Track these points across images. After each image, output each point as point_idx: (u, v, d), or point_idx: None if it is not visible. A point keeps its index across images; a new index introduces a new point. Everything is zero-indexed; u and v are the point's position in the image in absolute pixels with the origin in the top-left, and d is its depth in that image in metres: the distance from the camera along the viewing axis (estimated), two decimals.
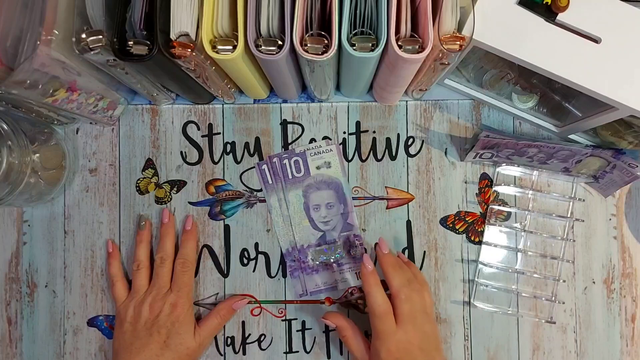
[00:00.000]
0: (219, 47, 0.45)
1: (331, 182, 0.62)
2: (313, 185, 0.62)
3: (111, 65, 0.48)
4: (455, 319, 0.61)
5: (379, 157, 0.63)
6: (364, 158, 0.63)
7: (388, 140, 0.63)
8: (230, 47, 0.45)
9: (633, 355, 0.61)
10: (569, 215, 0.62)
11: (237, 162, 0.63)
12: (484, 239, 0.62)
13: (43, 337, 0.61)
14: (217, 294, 0.62)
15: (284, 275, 0.62)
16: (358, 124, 0.63)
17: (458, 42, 0.45)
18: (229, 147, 0.63)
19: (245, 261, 0.62)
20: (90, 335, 0.61)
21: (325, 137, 0.63)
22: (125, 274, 0.61)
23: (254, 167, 0.63)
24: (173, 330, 0.55)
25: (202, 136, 0.63)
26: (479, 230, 0.62)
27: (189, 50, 0.45)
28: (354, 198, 0.62)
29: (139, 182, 0.63)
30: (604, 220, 0.62)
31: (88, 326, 0.61)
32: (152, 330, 0.55)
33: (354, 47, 0.44)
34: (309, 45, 0.44)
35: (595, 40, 0.49)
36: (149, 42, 0.45)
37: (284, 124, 0.63)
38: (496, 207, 0.62)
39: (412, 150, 0.63)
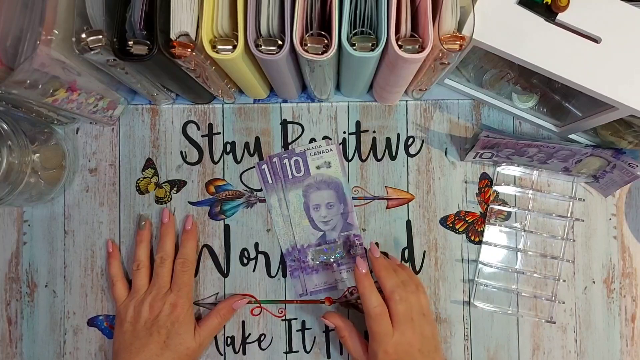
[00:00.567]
0: (219, 47, 0.45)
1: (331, 182, 0.62)
2: (313, 185, 0.62)
3: (111, 65, 0.48)
4: (455, 319, 0.61)
5: (379, 157, 0.63)
6: (364, 158, 0.63)
7: (388, 140, 0.63)
8: (230, 47, 0.45)
9: (633, 355, 0.61)
10: (569, 215, 0.62)
11: (237, 162, 0.63)
12: (484, 239, 0.62)
13: (43, 337, 0.61)
14: (217, 293, 0.62)
15: (284, 275, 0.62)
16: (358, 123, 0.63)
17: (458, 42, 0.45)
18: (229, 147, 0.63)
19: (245, 261, 0.62)
20: (90, 335, 0.61)
21: (325, 137, 0.63)
22: (125, 273, 0.61)
23: (254, 167, 0.63)
24: (173, 330, 0.55)
25: (202, 136, 0.63)
26: (479, 230, 0.62)
27: (189, 50, 0.45)
28: (354, 198, 0.62)
29: (139, 182, 0.63)
30: (604, 220, 0.62)
31: (88, 326, 0.62)
32: (152, 330, 0.55)
33: (354, 47, 0.44)
34: (309, 45, 0.44)
35: (595, 40, 0.49)
36: (149, 42, 0.45)
37: (284, 123, 0.63)
38: (496, 207, 0.62)
39: (412, 150, 0.63)
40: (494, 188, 0.63)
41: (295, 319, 0.61)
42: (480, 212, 0.62)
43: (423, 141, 0.63)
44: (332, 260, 0.62)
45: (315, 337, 0.61)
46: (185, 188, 0.63)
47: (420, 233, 0.62)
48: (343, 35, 0.44)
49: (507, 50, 0.48)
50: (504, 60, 0.51)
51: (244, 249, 0.62)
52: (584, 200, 0.63)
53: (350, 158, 0.63)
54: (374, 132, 0.63)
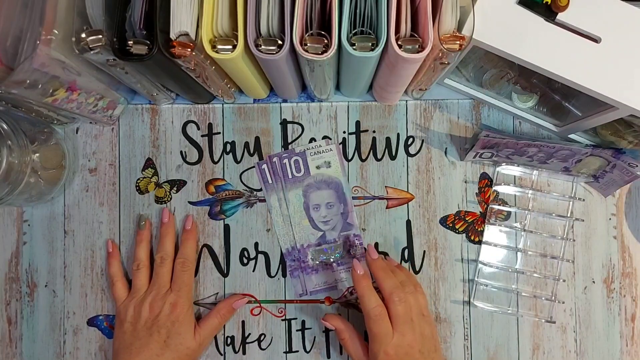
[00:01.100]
0: (219, 46, 0.45)
1: (331, 182, 0.62)
2: (313, 184, 0.62)
3: (111, 65, 0.48)
4: (455, 319, 0.61)
5: (379, 156, 0.63)
6: (363, 158, 0.63)
7: (388, 139, 0.63)
8: (230, 47, 0.45)
9: (633, 355, 0.61)
10: (569, 215, 0.62)
11: (237, 162, 0.63)
12: (484, 239, 0.62)
13: (43, 337, 0.61)
14: (217, 293, 0.62)
15: (284, 275, 0.62)
16: (358, 123, 0.63)
17: (458, 42, 0.45)
18: (228, 147, 0.63)
19: (245, 261, 0.62)
20: (90, 335, 0.61)
21: (325, 137, 0.63)
22: (125, 273, 0.61)
23: (253, 166, 0.63)
24: (173, 330, 0.55)
25: (202, 136, 0.63)
26: (479, 229, 0.62)
27: (189, 49, 0.45)
28: (353, 198, 0.62)
29: (138, 181, 0.63)
30: (604, 219, 0.62)
31: (88, 326, 0.62)
32: (152, 330, 0.55)
33: (354, 47, 0.44)
34: (308, 44, 0.44)
35: (595, 40, 0.49)
36: (148, 42, 0.45)
37: (284, 123, 0.63)
38: (496, 207, 0.62)
39: (412, 150, 0.63)
40: (493, 188, 0.63)
41: (295, 318, 0.61)
42: (480, 212, 0.62)
43: (423, 141, 0.63)
44: (332, 260, 0.62)
45: (315, 337, 0.61)
46: (185, 188, 0.63)
47: (420, 233, 0.62)
48: (343, 35, 0.44)
49: (507, 50, 0.48)
50: (504, 60, 0.51)
51: (244, 249, 0.62)
52: (584, 200, 0.63)
53: (350, 158, 0.63)
54: (374, 132, 0.63)
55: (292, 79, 0.55)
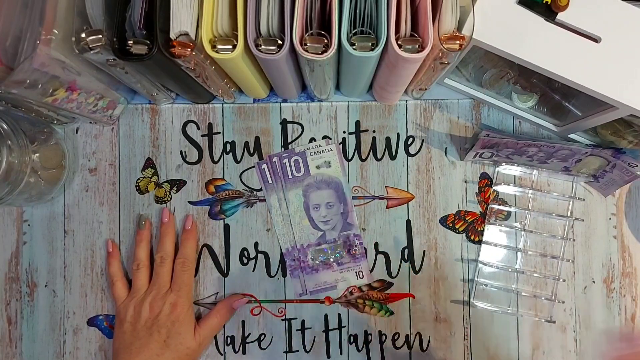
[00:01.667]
0: (219, 46, 0.45)
1: (331, 182, 0.62)
2: (313, 184, 0.62)
3: (111, 65, 0.48)
4: (455, 319, 0.61)
5: (379, 156, 0.63)
6: (363, 157, 0.63)
7: (388, 139, 0.63)
8: (230, 47, 0.45)
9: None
10: (568, 215, 0.62)
11: (237, 162, 0.63)
12: (484, 239, 0.62)
13: (43, 337, 0.61)
14: (217, 293, 0.62)
15: (284, 275, 0.62)
16: (358, 123, 0.63)
17: (458, 42, 0.45)
18: (228, 147, 0.63)
19: (245, 261, 0.62)
20: (90, 335, 0.61)
21: (325, 137, 0.63)
22: (125, 273, 0.61)
23: (253, 166, 0.63)
24: (173, 330, 0.55)
25: (202, 136, 0.63)
26: (479, 229, 0.62)
27: (189, 49, 0.45)
28: (353, 197, 0.62)
29: (138, 181, 0.63)
30: (604, 219, 0.62)
31: (88, 326, 0.61)
32: (152, 329, 0.55)
33: (354, 47, 0.44)
34: (308, 44, 0.44)
35: (595, 40, 0.49)
36: (148, 42, 0.45)
37: (284, 123, 0.63)
38: (496, 207, 0.62)
39: (412, 150, 0.63)
40: (493, 188, 0.63)
41: (295, 318, 0.61)
42: (480, 212, 0.62)
43: (423, 141, 0.63)
44: (332, 260, 0.62)
45: (315, 337, 0.61)
46: (185, 188, 0.63)
47: (420, 233, 0.62)
48: (343, 34, 0.44)
49: (507, 50, 0.48)
50: (504, 59, 0.51)
51: (244, 249, 0.62)
52: (584, 199, 0.63)
53: (350, 158, 0.63)
54: (374, 131, 0.63)
55: (292, 79, 0.55)
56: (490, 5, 0.48)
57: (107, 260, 0.61)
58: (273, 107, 0.63)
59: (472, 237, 0.62)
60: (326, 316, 0.61)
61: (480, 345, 0.61)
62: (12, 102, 0.51)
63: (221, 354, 0.61)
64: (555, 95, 0.59)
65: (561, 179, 0.63)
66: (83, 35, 0.45)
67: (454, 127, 0.63)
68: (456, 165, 0.63)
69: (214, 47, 0.46)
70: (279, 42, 0.45)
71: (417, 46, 0.45)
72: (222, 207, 0.62)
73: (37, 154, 0.56)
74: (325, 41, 0.45)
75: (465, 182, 0.63)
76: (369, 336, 0.61)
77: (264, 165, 0.62)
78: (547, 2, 0.48)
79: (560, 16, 0.49)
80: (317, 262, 0.62)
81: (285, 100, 0.63)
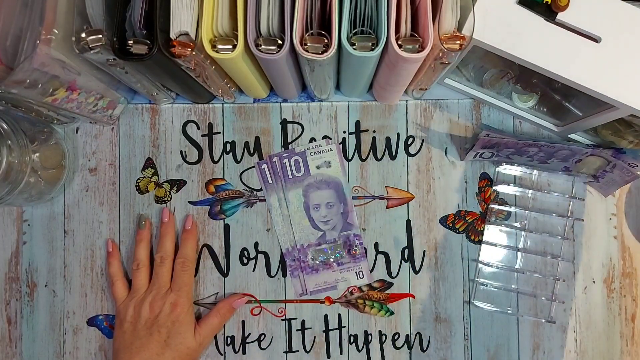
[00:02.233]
0: (219, 46, 0.45)
1: (331, 182, 0.62)
2: (313, 184, 0.62)
3: (111, 65, 0.48)
4: (455, 319, 0.61)
5: (379, 156, 0.63)
6: (363, 157, 0.63)
7: (388, 139, 0.63)
8: (230, 47, 0.45)
9: (633, 355, 0.61)
10: (569, 215, 0.62)
11: (237, 162, 0.63)
12: (484, 239, 0.62)
13: (43, 337, 0.61)
14: (217, 293, 0.62)
15: (284, 275, 0.62)
16: (358, 123, 0.63)
17: (458, 42, 0.45)
18: (228, 147, 0.63)
19: (245, 261, 0.62)
20: (90, 335, 0.61)
21: (325, 137, 0.63)
22: (125, 273, 0.61)
23: (253, 166, 0.63)
24: (173, 330, 0.55)
25: (202, 135, 0.63)
26: (479, 229, 0.62)
27: (189, 49, 0.45)
28: (354, 197, 0.62)
29: (138, 181, 0.63)
30: (604, 219, 0.62)
31: (88, 326, 0.61)
32: (152, 329, 0.55)
33: (354, 47, 0.44)
34: (308, 44, 0.44)
35: (595, 40, 0.49)
36: (148, 42, 0.45)
37: (284, 123, 0.63)
38: (496, 207, 0.62)
39: (412, 150, 0.63)
40: (494, 188, 0.63)
41: (295, 318, 0.61)
42: (480, 212, 0.62)
43: (423, 141, 0.63)
44: (332, 260, 0.62)
45: (315, 337, 0.61)
46: (185, 188, 0.62)
47: (420, 233, 0.62)
48: (343, 34, 0.44)
49: (507, 50, 0.48)
50: (504, 59, 0.51)
51: (244, 249, 0.62)
52: (584, 199, 0.63)
53: (350, 158, 0.63)
54: (374, 131, 0.63)
55: (292, 78, 0.55)
56: (490, 5, 0.49)
57: (107, 260, 0.61)
58: (273, 107, 0.63)
59: (472, 237, 0.62)
60: (326, 316, 0.61)
61: (480, 345, 0.61)
62: (12, 102, 0.51)
63: (221, 354, 0.61)
64: (556, 95, 0.59)
65: (561, 179, 0.63)
66: (83, 35, 0.45)
67: (454, 127, 0.63)
68: (456, 165, 0.63)
69: (214, 47, 0.45)
70: (279, 42, 0.45)
71: (417, 46, 0.45)
72: (222, 207, 0.62)
73: (37, 154, 0.56)
74: (326, 41, 0.45)
75: (465, 182, 0.63)
76: (369, 336, 0.61)
77: (264, 165, 0.62)
78: (547, 2, 0.48)
79: (560, 16, 0.49)
80: (317, 262, 0.62)
81: (285, 100, 0.63)
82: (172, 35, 0.45)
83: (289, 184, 0.62)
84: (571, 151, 0.58)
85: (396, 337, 0.61)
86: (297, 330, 0.61)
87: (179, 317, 0.56)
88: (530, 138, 0.58)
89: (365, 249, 0.62)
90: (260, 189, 0.63)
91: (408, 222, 0.62)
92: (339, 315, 0.61)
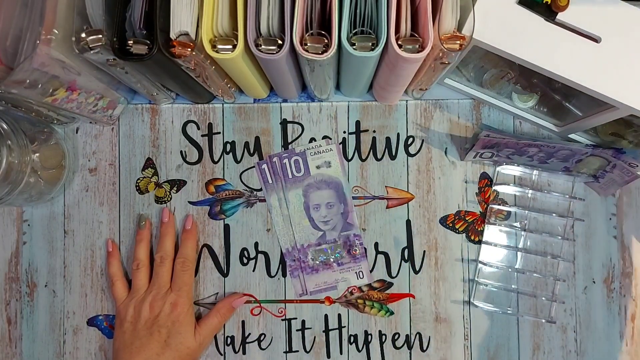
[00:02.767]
0: (219, 46, 0.45)
1: (331, 182, 0.62)
2: (313, 184, 0.62)
3: (111, 65, 0.48)
4: (455, 319, 0.61)
5: (379, 156, 0.63)
6: (363, 157, 0.63)
7: (388, 139, 0.63)
8: (230, 47, 0.45)
9: (633, 355, 0.61)
10: (569, 215, 0.62)
11: (237, 162, 0.63)
12: (484, 239, 0.62)
13: (43, 337, 0.61)
14: (217, 293, 0.62)
15: (284, 275, 0.62)
16: (358, 123, 0.63)
17: (458, 42, 0.45)
18: (228, 147, 0.63)
19: (245, 261, 0.62)
20: (90, 335, 0.61)
21: (325, 137, 0.63)
22: (125, 273, 0.61)
23: (253, 166, 0.63)
24: (173, 330, 0.55)
25: (202, 136, 0.63)
26: (479, 229, 0.62)
27: (189, 49, 0.45)
28: (354, 197, 0.62)
29: (138, 181, 0.63)
30: (604, 219, 0.62)
31: (88, 326, 0.61)
32: (152, 329, 0.55)
33: (354, 47, 0.44)
34: (308, 44, 0.44)
35: (595, 40, 0.49)
36: (148, 42, 0.45)
37: (284, 123, 0.63)
38: (496, 207, 0.62)
39: (412, 150, 0.63)
40: (493, 188, 0.63)
41: (295, 318, 0.61)
42: (480, 212, 0.62)
43: (423, 141, 0.63)
44: (332, 260, 0.62)
45: (315, 337, 0.61)
46: (185, 188, 0.62)
47: (420, 233, 0.62)
48: (343, 34, 0.44)
49: (507, 50, 0.48)
50: (504, 59, 0.51)
51: (244, 249, 0.62)
52: (584, 199, 0.63)
53: (350, 158, 0.63)
54: (374, 131, 0.63)
55: (292, 78, 0.55)
56: (491, 5, 0.48)
57: (107, 260, 0.61)
58: (273, 107, 0.63)
59: (472, 237, 0.62)
60: (326, 316, 0.61)
61: (481, 345, 0.61)
62: (12, 102, 0.51)
63: (221, 354, 0.61)
64: (556, 95, 0.59)
65: (561, 179, 0.63)
66: (83, 35, 0.45)
67: (454, 127, 0.63)
68: (456, 165, 0.63)
69: (214, 47, 0.45)
70: (279, 42, 0.45)
71: (417, 46, 0.45)
72: (222, 207, 0.62)
73: (37, 154, 0.56)
74: (326, 41, 0.45)
75: (465, 182, 0.63)
76: (369, 336, 0.61)
77: (264, 165, 0.62)
78: (547, 2, 0.48)
79: (560, 16, 0.49)
80: (317, 262, 0.62)
81: (285, 100, 0.63)
82: (172, 35, 0.45)
83: (289, 184, 0.62)
84: (571, 151, 0.58)
85: (396, 337, 0.61)
86: (297, 330, 0.61)
87: (179, 317, 0.56)
88: (530, 138, 0.58)
89: (365, 249, 0.62)
90: (260, 189, 0.63)
91: (408, 222, 0.62)
92: (339, 315, 0.61)
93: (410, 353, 0.61)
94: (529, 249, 0.62)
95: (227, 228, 0.62)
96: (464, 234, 0.62)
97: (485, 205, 0.62)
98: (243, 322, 0.62)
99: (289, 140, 0.63)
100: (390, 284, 0.62)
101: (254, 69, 0.52)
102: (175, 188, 0.62)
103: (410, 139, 0.63)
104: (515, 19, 0.49)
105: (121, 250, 0.62)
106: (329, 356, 0.61)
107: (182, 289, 0.57)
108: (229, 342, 0.61)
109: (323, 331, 0.61)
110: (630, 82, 0.48)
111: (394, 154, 0.63)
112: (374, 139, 0.63)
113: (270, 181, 0.62)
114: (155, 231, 0.62)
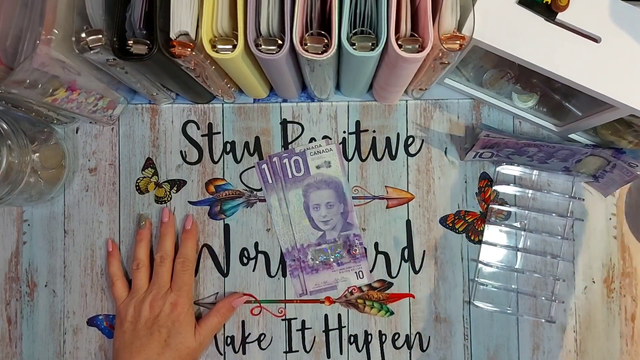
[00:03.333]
0: (219, 46, 0.45)
1: (331, 182, 0.62)
2: (313, 184, 0.62)
3: (111, 65, 0.48)
4: (455, 319, 0.61)
5: (379, 156, 0.63)
6: (363, 157, 0.63)
7: (388, 139, 0.63)
8: (230, 47, 0.45)
9: (633, 355, 0.61)
10: (568, 215, 0.62)
11: (237, 162, 0.63)
12: (484, 239, 0.62)
13: (43, 337, 0.61)
14: (217, 293, 0.62)
15: (284, 275, 0.62)
16: (358, 123, 0.63)
17: (458, 42, 0.45)
18: (228, 147, 0.63)
19: (245, 260, 0.62)
20: (90, 335, 0.61)
21: (325, 137, 0.63)
22: (125, 273, 0.61)
23: (253, 166, 0.63)
24: (173, 330, 0.55)
25: (202, 135, 0.63)
26: (479, 229, 0.62)
27: (189, 49, 0.45)
28: (353, 197, 0.62)
29: (138, 181, 0.63)
30: (604, 219, 0.62)
31: (88, 325, 0.61)
32: (152, 329, 0.55)
33: (354, 47, 0.44)
34: (308, 44, 0.44)
35: (595, 40, 0.49)
36: (148, 42, 0.45)
37: (284, 123, 0.63)
38: (496, 207, 0.62)
39: (412, 150, 0.63)
40: (493, 188, 0.63)
41: (295, 318, 0.61)
42: (480, 212, 0.62)
43: (423, 141, 0.63)
44: (332, 260, 0.62)
45: (315, 337, 0.61)
46: (185, 188, 0.62)
47: (420, 233, 0.62)
48: (343, 34, 0.44)
49: (507, 50, 0.48)
50: (504, 59, 0.51)
51: (244, 249, 0.62)
52: (583, 199, 0.63)
53: (350, 158, 0.63)
54: (374, 131, 0.63)
55: (292, 78, 0.55)
56: (491, 5, 0.49)
57: (107, 259, 0.61)
58: (273, 107, 0.63)
59: (472, 237, 0.62)
60: (326, 316, 0.61)
61: (480, 345, 0.61)
62: (12, 102, 0.51)
63: (221, 354, 0.61)
64: (556, 95, 0.59)
65: (561, 179, 0.63)
66: (83, 35, 0.45)
67: (454, 127, 0.63)
68: (456, 165, 0.63)
69: (214, 47, 0.46)
70: (279, 42, 0.45)
71: (417, 46, 0.45)
72: (222, 207, 0.62)
73: (37, 154, 0.56)
74: (325, 41, 0.45)
75: (465, 182, 0.63)
76: (369, 336, 0.61)
77: (264, 165, 0.62)
78: (547, 2, 0.48)
79: (560, 16, 0.49)
80: (317, 262, 0.62)
81: (285, 100, 0.63)
82: (172, 35, 0.45)
83: (289, 184, 0.62)
84: (571, 151, 0.58)
85: (396, 337, 0.61)
86: (297, 330, 0.61)
87: (179, 317, 0.56)
88: (530, 138, 0.58)
89: (365, 249, 0.62)
90: (260, 189, 0.63)
91: (408, 222, 0.62)
92: (339, 315, 0.61)
93: (410, 353, 0.61)
94: (529, 248, 0.62)
95: (227, 228, 0.62)
96: (464, 234, 0.62)
97: (485, 205, 0.62)
98: (243, 322, 0.62)
99: (289, 140, 0.63)
100: (390, 284, 0.62)
101: (253, 69, 0.52)
102: (175, 188, 0.63)
103: (410, 139, 0.63)
104: (515, 19, 0.49)
105: (121, 250, 0.62)
106: (329, 356, 0.61)
107: (182, 288, 0.57)
108: (229, 342, 0.61)
109: (323, 331, 0.61)
110: (630, 82, 0.48)
111: (393, 154, 0.63)
112: (373, 139, 0.63)
113: (270, 181, 0.62)
114: (155, 231, 0.62)
